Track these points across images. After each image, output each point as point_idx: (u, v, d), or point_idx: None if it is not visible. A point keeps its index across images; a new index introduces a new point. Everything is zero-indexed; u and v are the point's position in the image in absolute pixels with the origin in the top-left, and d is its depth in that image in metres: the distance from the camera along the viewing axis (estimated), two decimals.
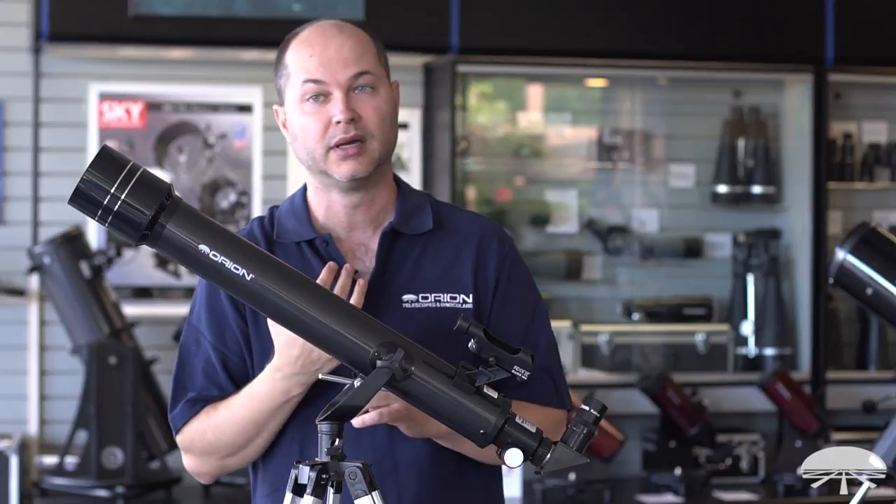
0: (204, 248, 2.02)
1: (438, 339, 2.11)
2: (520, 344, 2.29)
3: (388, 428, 2.22)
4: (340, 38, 2.30)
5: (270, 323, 2.21)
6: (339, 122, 2.27)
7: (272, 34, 5.11)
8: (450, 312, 2.30)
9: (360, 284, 2.26)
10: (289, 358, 2.22)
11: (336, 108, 2.27)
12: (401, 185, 2.41)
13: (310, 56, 2.29)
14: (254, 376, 2.30)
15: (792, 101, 5.78)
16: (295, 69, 2.31)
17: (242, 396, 2.30)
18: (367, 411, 2.14)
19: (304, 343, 2.17)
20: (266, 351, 2.29)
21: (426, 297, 2.32)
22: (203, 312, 2.35)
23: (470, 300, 2.33)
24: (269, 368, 2.25)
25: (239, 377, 2.34)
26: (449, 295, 2.33)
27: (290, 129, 2.34)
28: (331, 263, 2.26)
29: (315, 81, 2.28)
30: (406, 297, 2.31)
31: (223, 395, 2.33)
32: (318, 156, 2.30)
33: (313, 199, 2.38)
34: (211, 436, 2.33)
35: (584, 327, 5.51)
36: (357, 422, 2.15)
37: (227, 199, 5.32)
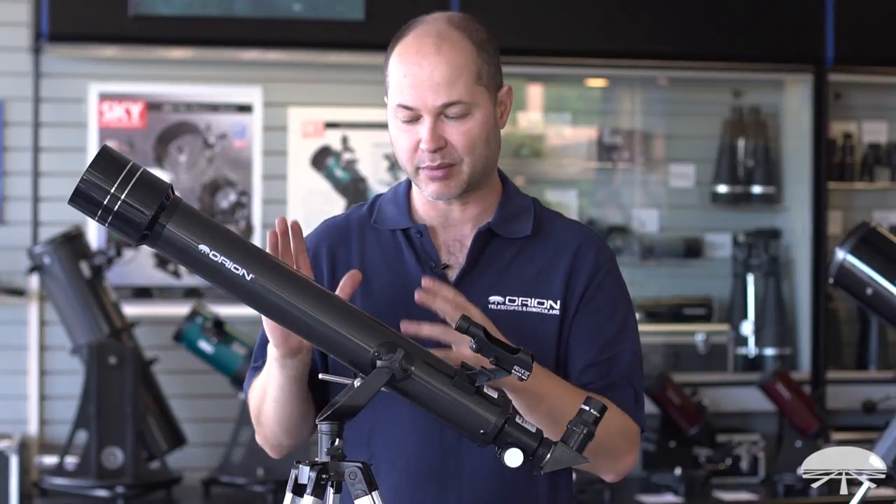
0: (204, 248, 2.02)
1: (521, 344, 2.07)
2: (601, 352, 2.32)
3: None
4: (436, 59, 2.24)
5: None
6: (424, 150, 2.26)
7: (272, 34, 5.17)
8: (535, 318, 2.30)
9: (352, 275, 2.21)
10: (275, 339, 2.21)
11: (423, 134, 2.25)
12: (507, 187, 2.40)
13: (403, 76, 2.25)
14: (322, 366, 2.31)
15: (792, 101, 5.78)
16: (391, 82, 2.28)
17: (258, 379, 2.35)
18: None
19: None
20: None
21: (513, 301, 2.30)
22: None
23: (557, 307, 2.31)
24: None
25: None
26: (536, 300, 2.31)
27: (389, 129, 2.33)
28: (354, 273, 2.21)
29: (404, 107, 2.25)
30: (493, 298, 2.30)
31: None
32: (408, 170, 2.30)
33: (415, 191, 2.37)
34: (253, 407, 2.40)
35: None
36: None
37: (227, 199, 5.32)
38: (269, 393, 2.30)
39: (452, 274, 2.32)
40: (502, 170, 2.41)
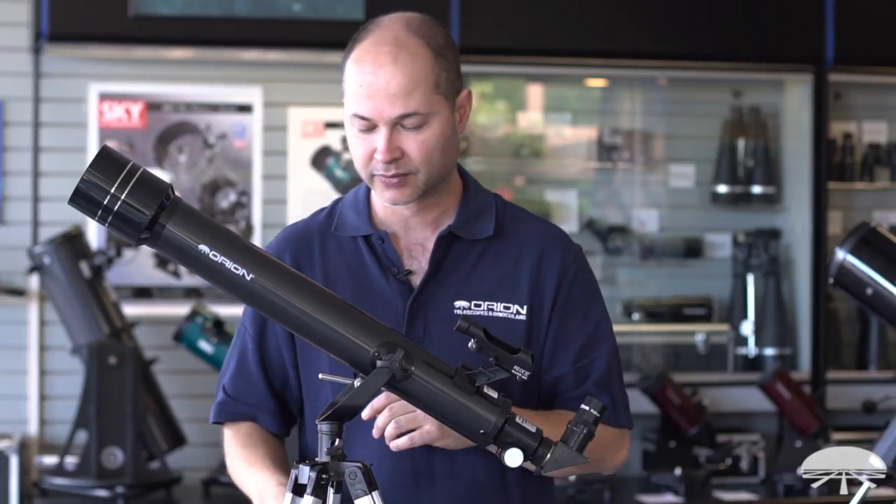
0: (204, 248, 2.02)
1: None
2: (577, 360, 2.32)
3: None
4: (392, 69, 2.19)
5: None
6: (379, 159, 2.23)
7: (272, 34, 5.17)
8: (502, 322, 2.28)
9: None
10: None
11: (379, 145, 2.22)
12: (468, 187, 2.37)
13: (359, 86, 2.22)
14: (294, 377, 2.33)
15: (792, 101, 5.78)
16: (347, 89, 2.26)
17: (241, 474, 2.32)
18: (401, 435, 2.15)
19: None
20: (310, 356, 2.31)
21: (479, 305, 2.29)
22: (249, 307, 2.35)
23: (524, 312, 2.30)
24: (267, 483, 2.22)
25: (273, 373, 2.35)
26: (503, 304, 2.29)
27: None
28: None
29: (360, 117, 2.22)
30: (458, 303, 2.28)
31: (252, 391, 2.35)
32: (364, 176, 2.28)
33: (375, 196, 2.35)
34: (229, 469, 2.39)
35: None
36: (393, 445, 2.17)
37: (227, 199, 5.31)
38: (243, 486, 2.31)
39: (416, 279, 2.31)
40: (464, 168, 2.40)
